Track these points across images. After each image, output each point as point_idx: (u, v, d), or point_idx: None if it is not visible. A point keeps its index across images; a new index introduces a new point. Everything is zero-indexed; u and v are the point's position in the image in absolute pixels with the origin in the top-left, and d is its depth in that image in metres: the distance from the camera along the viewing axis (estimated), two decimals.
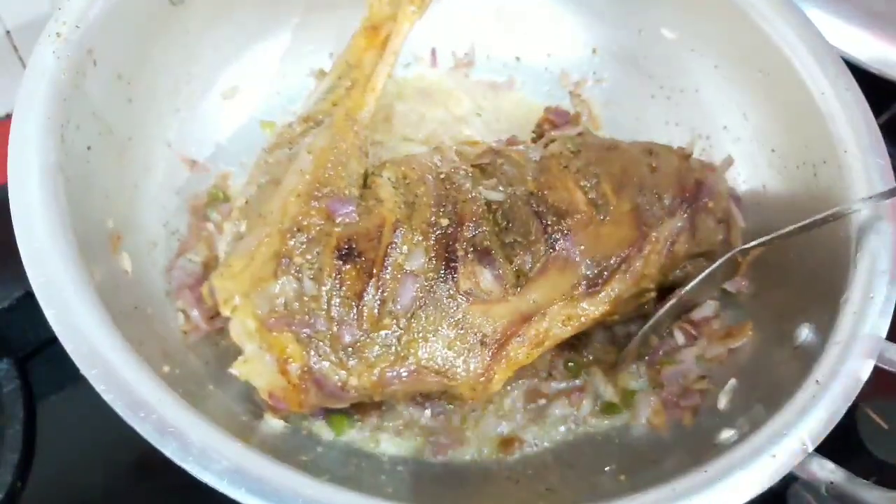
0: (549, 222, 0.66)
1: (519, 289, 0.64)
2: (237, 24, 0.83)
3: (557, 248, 0.66)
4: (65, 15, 0.65)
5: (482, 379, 0.63)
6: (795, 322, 0.66)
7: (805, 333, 0.65)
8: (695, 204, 0.72)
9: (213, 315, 0.73)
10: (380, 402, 0.68)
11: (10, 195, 0.56)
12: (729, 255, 0.72)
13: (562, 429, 0.72)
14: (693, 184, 0.73)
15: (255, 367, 0.60)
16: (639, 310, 0.73)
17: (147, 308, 0.68)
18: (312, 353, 0.60)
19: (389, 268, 0.61)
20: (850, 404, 0.57)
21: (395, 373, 0.61)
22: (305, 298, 0.60)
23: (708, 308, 0.77)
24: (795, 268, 0.72)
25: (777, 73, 0.78)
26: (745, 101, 0.83)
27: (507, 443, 0.70)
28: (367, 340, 0.61)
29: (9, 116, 0.59)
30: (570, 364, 0.75)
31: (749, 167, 0.83)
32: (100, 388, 0.50)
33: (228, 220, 0.66)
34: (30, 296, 0.53)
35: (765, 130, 0.81)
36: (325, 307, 0.60)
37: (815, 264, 0.69)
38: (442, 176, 0.67)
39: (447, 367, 0.62)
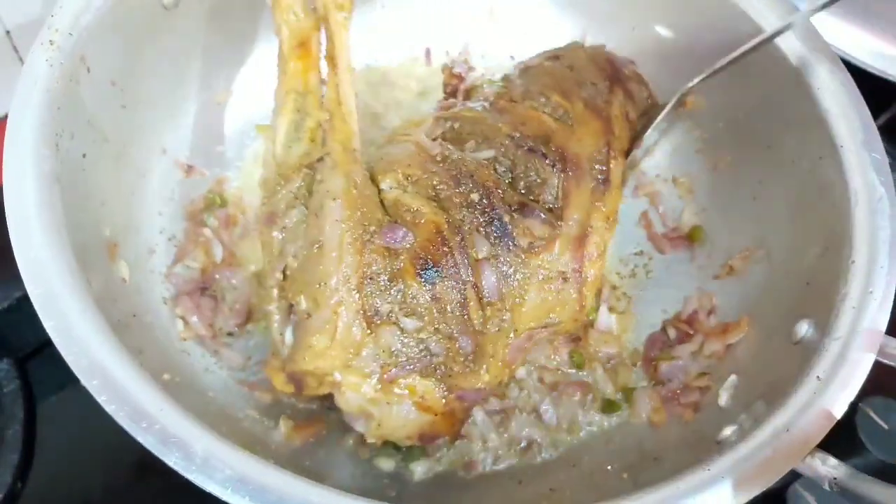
0: (543, 152, 0.69)
1: (562, 220, 0.67)
2: (231, 28, 0.83)
3: (563, 169, 0.70)
4: (57, 22, 0.64)
5: (578, 308, 0.68)
6: (794, 318, 0.66)
7: (805, 329, 0.65)
8: (620, 76, 0.82)
9: (211, 322, 0.73)
10: None
11: (6, 206, 0.55)
12: (678, 95, 0.83)
13: (565, 428, 0.72)
14: (606, 62, 0.83)
15: (392, 424, 0.60)
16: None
17: (146, 316, 0.67)
18: (443, 377, 0.60)
19: (469, 265, 0.61)
20: (851, 400, 0.57)
21: (514, 348, 0.64)
22: (411, 335, 0.59)
23: (692, 303, 0.79)
24: (793, 263, 0.73)
25: (773, 70, 0.78)
26: (740, 98, 0.83)
27: (523, 451, 0.71)
28: (483, 338, 0.62)
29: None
30: (574, 357, 0.75)
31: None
32: (101, 399, 0.50)
33: (271, 301, 0.62)
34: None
35: (760, 127, 0.81)
36: (434, 331, 0.59)
37: (813, 260, 0.70)
38: (439, 158, 0.67)
39: (550, 317, 0.67)
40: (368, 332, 0.58)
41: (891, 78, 0.87)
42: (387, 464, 0.68)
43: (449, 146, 0.68)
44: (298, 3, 0.67)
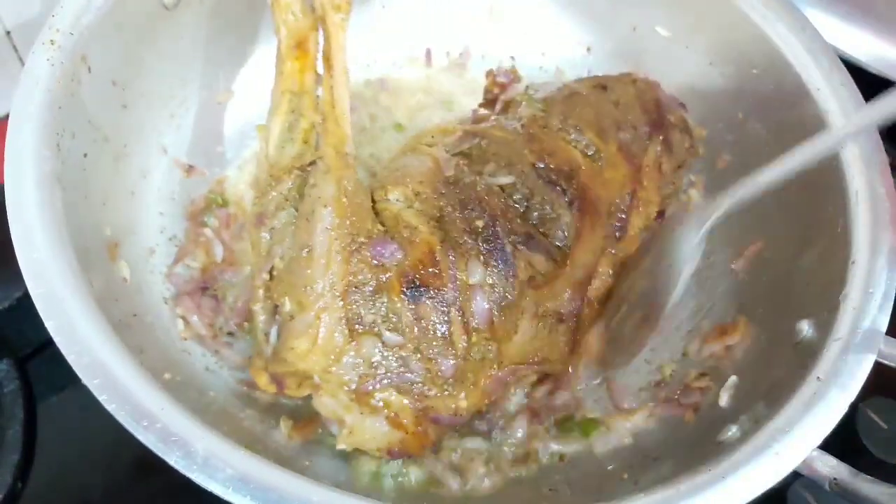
0: (564, 187, 0.67)
1: (569, 259, 0.65)
2: (232, 28, 0.83)
3: (581, 209, 0.67)
4: (58, 22, 0.64)
5: (567, 351, 0.66)
6: (795, 318, 0.66)
7: (805, 329, 0.65)
8: (663, 123, 0.76)
9: (212, 322, 0.73)
10: None
11: (7, 206, 0.55)
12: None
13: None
14: (653, 104, 0.78)
15: (363, 434, 0.60)
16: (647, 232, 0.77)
17: (146, 315, 0.67)
18: (419, 396, 0.60)
19: (459, 289, 0.61)
20: (852, 400, 0.57)
21: (496, 380, 0.62)
22: (392, 349, 0.59)
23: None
24: (793, 263, 0.73)
25: (772, 70, 0.78)
26: (742, 99, 0.83)
27: (522, 458, 0.70)
28: (465, 364, 0.61)
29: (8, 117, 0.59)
30: None
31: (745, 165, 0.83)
32: (102, 398, 0.50)
33: (254, 301, 0.62)
34: (30, 296, 0.53)
35: (761, 127, 0.81)
36: (415, 350, 0.59)
37: (813, 260, 0.70)
38: (452, 180, 0.66)
39: (540, 355, 0.64)
40: (350, 339, 0.58)
41: (891, 78, 0.87)
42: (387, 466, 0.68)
43: (465, 167, 0.67)
44: (297, 3, 0.67)
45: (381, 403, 0.59)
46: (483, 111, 0.85)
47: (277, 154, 0.66)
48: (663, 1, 0.88)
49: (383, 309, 0.59)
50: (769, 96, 0.78)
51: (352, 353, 0.58)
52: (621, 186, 0.71)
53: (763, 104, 0.79)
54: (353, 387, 0.58)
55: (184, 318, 0.72)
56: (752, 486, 0.53)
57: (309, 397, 0.62)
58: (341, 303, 0.58)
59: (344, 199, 0.61)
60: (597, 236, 0.68)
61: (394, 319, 0.59)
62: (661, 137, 0.75)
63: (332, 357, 0.58)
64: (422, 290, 0.59)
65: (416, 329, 0.59)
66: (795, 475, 0.55)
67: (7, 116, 0.59)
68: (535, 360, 0.64)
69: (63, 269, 0.54)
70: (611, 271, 0.68)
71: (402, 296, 0.59)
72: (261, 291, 0.62)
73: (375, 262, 0.60)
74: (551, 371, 0.68)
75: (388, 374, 0.59)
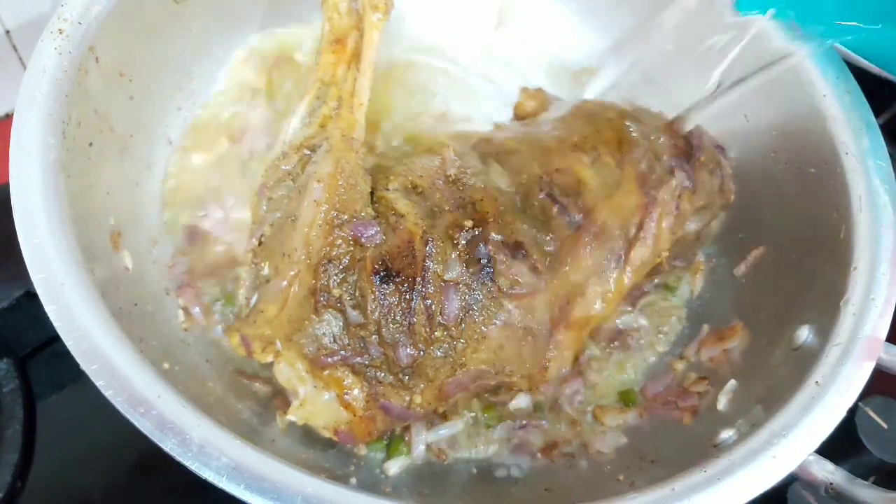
0: (565, 204, 0.66)
1: (554, 276, 0.64)
2: (240, 21, 0.84)
3: (580, 228, 0.66)
4: (67, 12, 0.65)
5: (537, 370, 0.65)
6: (795, 323, 0.66)
7: (805, 335, 0.64)
8: (690, 160, 0.74)
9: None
10: None
11: (11, 192, 0.56)
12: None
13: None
14: (683, 140, 0.75)
15: (314, 408, 0.60)
16: (653, 271, 0.75)
17: (148, 305, 0.68)
18: (372, 380, 0.60)
19: (430, 281, 0.61)
20: (849, 406, 0.57)
21: (455, 382, 0.62)
22: (353, 328, 0.59)
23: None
24: (795, 268, 0.72)
25: (777, 74, 0.78)
26: (746, 102, 0.83)
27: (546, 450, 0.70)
28: (424, 357, 0.60)
29: (8, 116, 0.59)
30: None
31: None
32: (100, 383, 0.50)
33: (244, 265, 0.64)
34: (30, 296, 0.53)
35: (766, 132, 0.81)
36: (376, 332, 0.59)
37: (815, 266, 0.69)
38: (452, 178, 0.67)
39: (504, 366, 0.63)
40: (315, 311, 0.59)
41: (891, 78, 0.87)
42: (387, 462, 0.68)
43: (468, 170, 0.67)
44: (344, 2, 0.71)
45: (332, 381, 0.59)
46: (505, 123, 0.85)
47: (293, 137, 0.69)
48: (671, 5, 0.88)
49: (352, 286, 0.60)
50: (773, 101, 0.78)
51: (315, 324, 0.59)
52: (630, 214, 0.69)
53: (767, 108, 0.79)
54: (310, 358, 0.59)
55: (185, 308, 0.72)
56: (747, 488, 0.53)
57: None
58: (314, 273, 0.59)
59: (339, 180, 0.62)
60: (592, 259, 0.67)
61: (360, 298, 0.59)
62: (685, 174, 0.73)
63: (296, 326, 0.59)
64: (393, 274, 0.60)
65: (378, 311, 0.59)
66: (795, 476, 0.55)
67: (6, 116, 0.59)
68: (499, 370, 0.63)
69: (64, 256, 0.55)
70: (599, 299, 0.67)
71: (373, 277, 0.59)
72: (249, 256, 0.64)
73: (356, 237, 0.61)
74: (514, 386, 0.66)
75: (346, 352, 0.59)
